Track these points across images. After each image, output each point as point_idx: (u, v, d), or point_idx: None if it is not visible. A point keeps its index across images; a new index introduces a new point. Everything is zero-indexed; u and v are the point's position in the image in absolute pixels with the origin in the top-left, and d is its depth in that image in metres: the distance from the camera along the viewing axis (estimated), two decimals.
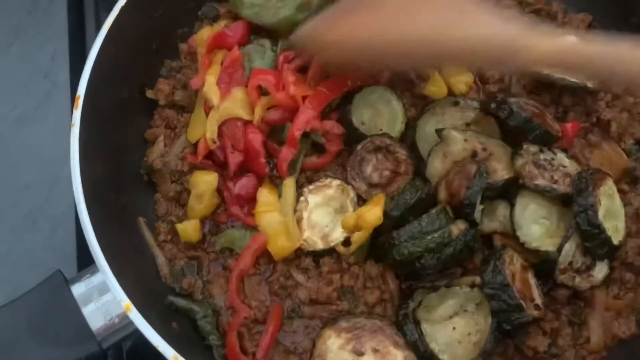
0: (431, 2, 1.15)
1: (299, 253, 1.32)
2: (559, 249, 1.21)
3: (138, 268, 1.29)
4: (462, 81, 1.45)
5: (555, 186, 1.23)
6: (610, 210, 1.24)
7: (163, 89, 1.47)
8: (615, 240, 1.22)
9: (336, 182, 1.35)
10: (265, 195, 1.33)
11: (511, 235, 1.25)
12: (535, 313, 1.17)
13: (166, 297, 1.29)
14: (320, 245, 1.31)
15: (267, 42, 1.44)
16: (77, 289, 1.13)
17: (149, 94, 1.48)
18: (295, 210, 1.32)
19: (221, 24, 1.53)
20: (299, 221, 1.31)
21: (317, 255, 1.32)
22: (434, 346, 1.19)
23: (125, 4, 1.38)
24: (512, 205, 1.25)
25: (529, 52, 1.08)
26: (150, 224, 1.39)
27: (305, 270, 1.31)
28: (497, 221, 1.28)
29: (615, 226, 1.24)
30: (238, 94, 1.36)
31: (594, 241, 1.20)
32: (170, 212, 1.40)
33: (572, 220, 1.21)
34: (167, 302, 1.27)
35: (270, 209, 1.31)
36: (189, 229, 1.34)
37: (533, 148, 1.27)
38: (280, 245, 1.29)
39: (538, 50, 1.07)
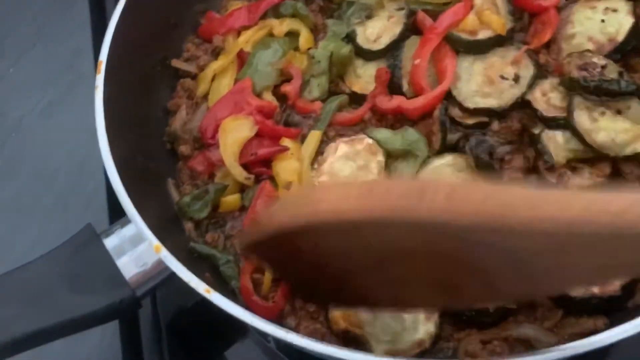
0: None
1: None
2: None
3: (165, 223, 1.28)
4: None
5: None
6: None
7: (190, 49, 1.51)
8: None
9: (369, 140, 1.33)
10: (286, 143, 1.34)
11: None
12: None
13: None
14: None
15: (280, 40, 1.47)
16: (109, 242, 1.13)
17: (175, 62, 1.50)
18: (321, 152, 1.32)
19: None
20: (322, 163, 1.31)
21: None
22: None
23: None
24: None
25: None
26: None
27: None
28: None
29: None
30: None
31: None
32: (194, 177, 1.39)
33: None
34: (189, 247, 1.26)
35: (288, 156, 1.31)
36: (231, 200, 1.34)
37: None
38: (291, 192, 1.27)
39: None
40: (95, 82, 1.25)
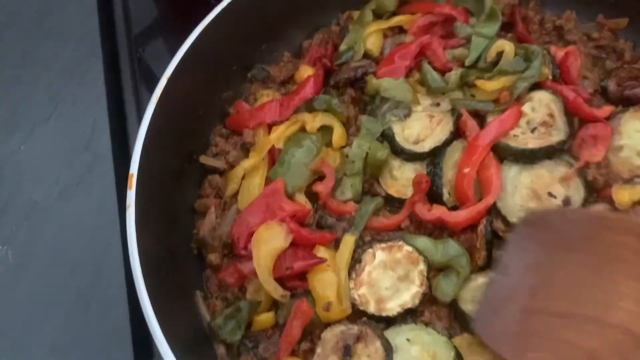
0: None
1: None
2: None
3: (196, 349, 1.22)
4: None
5: None
6: None
7: (219, 143, 1.45)
8: None
9: (408, 248, 1.27)
10: (321, 252, 1.28)
11: None
12: None
13: None
14: (371, 309, 1.22)
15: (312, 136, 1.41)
16: None
17: (203, 159, 1.44)
18: (359, 260, 1.27)
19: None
20: (359, 273, 1.25)
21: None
22: None
23: (172, 74, 1.34)
24: None
25: None
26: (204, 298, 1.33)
27: None
28: None
29: None
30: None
31: None
32: (224, 288, 1.33)
33: None
34: None
35: (324, 268, 1.25)
36: (265, 319, 1.28)
37: None
38: (331, 310, 1.22)
39: None
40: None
